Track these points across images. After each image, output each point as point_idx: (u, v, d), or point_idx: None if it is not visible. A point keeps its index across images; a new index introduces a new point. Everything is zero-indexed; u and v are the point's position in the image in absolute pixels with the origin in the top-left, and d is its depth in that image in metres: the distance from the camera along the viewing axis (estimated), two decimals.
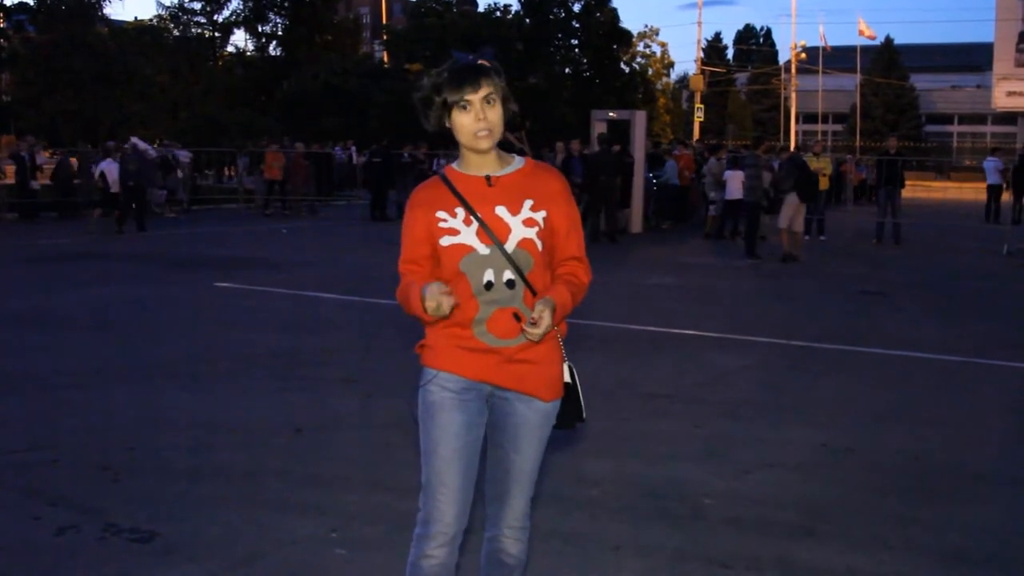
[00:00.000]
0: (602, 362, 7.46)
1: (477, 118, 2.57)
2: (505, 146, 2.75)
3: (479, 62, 2.60)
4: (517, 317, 2.61)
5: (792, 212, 14.66)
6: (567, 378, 2.77)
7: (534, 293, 2.62)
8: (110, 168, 18.42)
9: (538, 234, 2.62)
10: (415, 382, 2.73)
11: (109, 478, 4.70)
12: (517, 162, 2.72)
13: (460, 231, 2.61)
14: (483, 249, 2.60)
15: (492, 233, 2.60)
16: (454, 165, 2.73)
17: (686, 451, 5.31)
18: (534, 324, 2.50)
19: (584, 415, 2.82)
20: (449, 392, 2.65)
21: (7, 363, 7.15)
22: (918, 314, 10.32)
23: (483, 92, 2.57)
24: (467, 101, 2.57)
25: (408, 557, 2.70)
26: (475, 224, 2.61)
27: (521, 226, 2.61)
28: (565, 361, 2.76)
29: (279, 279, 11.79)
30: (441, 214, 2.63)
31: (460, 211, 2.63)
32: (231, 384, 6.64)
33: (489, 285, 2.60)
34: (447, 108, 2.60)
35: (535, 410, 2.71)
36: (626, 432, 5.66)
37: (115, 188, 18.25)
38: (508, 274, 2.60)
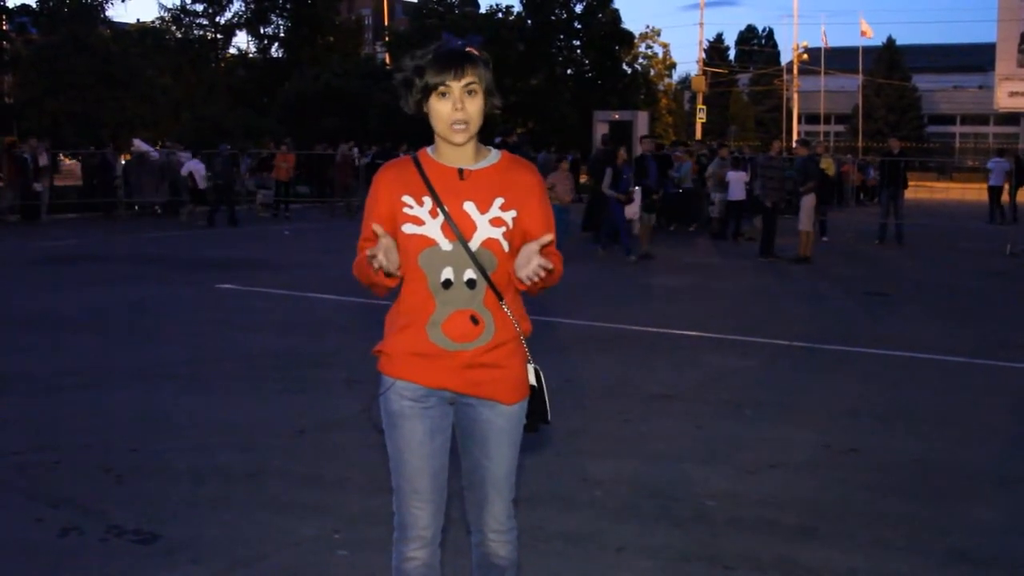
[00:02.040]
0: (604, 363, 7.46)
1: (455, 108, 2.46)
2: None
3: (467, 49, 2.48)
4: (475, 320, 2.52)
5: (811, 213, 14.75)
6: (532, 381, 2.67)
7: (498, 295, 2.53)
8: (197, 167, 20.54)
9: (504, 235, 2.52)
10: (375, 390, 2.67)
11: (111, 479, 4.70)
12: (492, 156, 2.61)
13: (425, 222, 2.51)
14: (445, 244, 2.50)
15: (457, 229, 2.50)
16: (428, 151, 2.61)
17: (688, 452, 5.30)
18: (538, 262, 2.37)
19: (549, 418, 2.71)
20: (408, 401, 2.58)
21: (9, 364, 7.16)
22: (921, 315, 10.31)
23: (465, 81, 2.46)
24: (447, 88, 2.46)
25: (392, 561, 2.68)
26: (441, 217, 2.51)
27: (488, 225, 2.51)
28: (530, 363, 2.66)
29: (281, 280, 11.79)
30: (407, 199, 2.54)
31: (427, 200, 2.53)
32: (233, 385, 6.64)
33: (447, 284, 2.50)
34: (426, 92, 2.50)
35: (500, 414, 2.61)
36: (628, 433, 5.66)
37: (202, 185, 20.44)
38: (469, 273, 2.50)
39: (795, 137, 49.07)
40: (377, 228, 2.43)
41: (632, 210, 14.46)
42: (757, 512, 4.40)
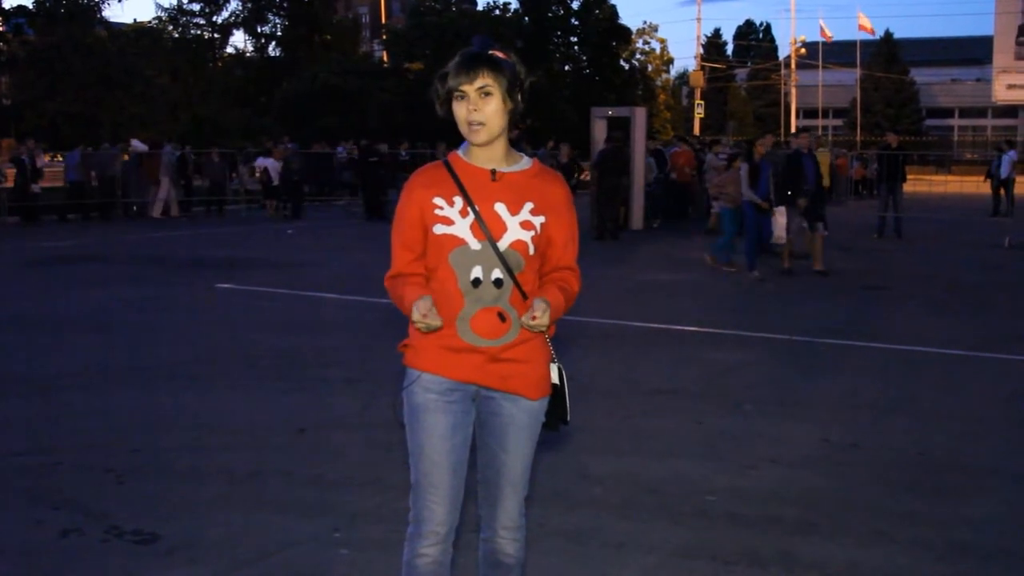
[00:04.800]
0: (603, 359, 7.46)
1: (470, 110, 2.53)
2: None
3: (490, 52, 2.53)
4: (502, 317, 2.57)
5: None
6: (555, 379, 2.71)
7: (523, 294, 2.58)
8: (272, 164, 22.14)
9: (532, 239, 2.58)
10: (399, 383, 2.70)
11: (112, 480, 4.71)
12: (524, 162, 2.67)
13: (455, 221, 2.57)
14: (475, 244, 2.55)
15: (487, 229, 2.55)
16: (460, 152, 2.67)
17: (688, 448, 5.31)
18: (533, 317, 2.48)
19: (568, 418, 2.76)
20: (433, 394, 2.61)
21: (10, 365, 7.16)
22: (920, 308, 10.31)
23: (478, 84, 2.51)
24: (462, 91, 2.53)
25: (403, 556, 2.70)
26: (471, 217, 2.56)
27: (517, 227, 2.57)
28: (555, 362, 2.71)
29: (281, 279, 11.79)
30: (438, 200, 2.59)
31: (458, 200, 2.58)
32: (233, 385, 6.64)
33: (477, 282, 2.56)
34: (448, 96, 2.56)
35: (522, 409, 2.66)
36: (628, 429, 5.66)
37: (276, 182, 21.99)
38: (497, 272, 2.56)
39: (792, 131, 49.08)
40: (422, 307, 2.47)
41: (779, 221, 11.96)
42: (757, 507, 4.40)
